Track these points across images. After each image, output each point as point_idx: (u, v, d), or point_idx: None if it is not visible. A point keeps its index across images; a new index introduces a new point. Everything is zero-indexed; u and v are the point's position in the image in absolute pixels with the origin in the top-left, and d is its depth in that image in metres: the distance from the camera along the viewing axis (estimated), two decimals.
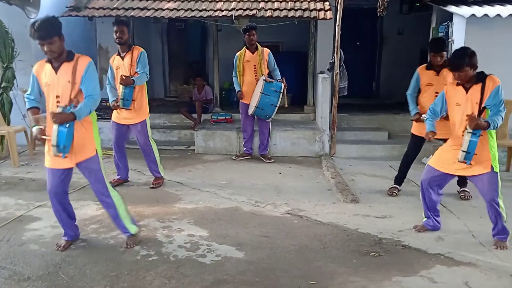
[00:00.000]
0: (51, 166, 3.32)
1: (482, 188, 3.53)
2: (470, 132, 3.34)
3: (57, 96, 3.20)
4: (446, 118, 3.77)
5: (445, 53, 4.45)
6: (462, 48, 3.59)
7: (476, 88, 3.45)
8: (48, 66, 3.22)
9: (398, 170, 4.91)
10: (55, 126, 3.08)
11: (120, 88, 4.77)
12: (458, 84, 3.54)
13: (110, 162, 5.40)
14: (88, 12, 6.85)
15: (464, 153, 3.38)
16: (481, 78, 3.46)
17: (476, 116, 3.34)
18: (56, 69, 3.20)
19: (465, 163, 3.43)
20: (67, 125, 3.09)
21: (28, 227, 3.91)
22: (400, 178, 4.88)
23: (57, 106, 3.18)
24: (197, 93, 7.80)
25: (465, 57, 3.39)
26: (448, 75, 4.24)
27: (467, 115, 3.43)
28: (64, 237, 3.54)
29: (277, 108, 5.93)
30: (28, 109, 3.36)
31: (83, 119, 3.20)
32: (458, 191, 4.71)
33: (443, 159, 3.64)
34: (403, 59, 8.31)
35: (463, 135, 3.45)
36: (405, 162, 4.83)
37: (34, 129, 3.21)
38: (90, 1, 7.12)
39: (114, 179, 5.09)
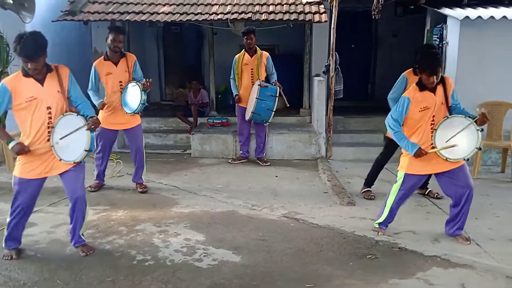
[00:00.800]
0: (39, 176, 3.28)
1: (462, 178, 3.57)
2: (479, 130, 3.44)
3: (48, 108, 3.19)
4: None
5: None
6: (431, 50, 3.73)
7: (439, 89, 3.55)
8: (30, 80, 3.15)
9: (370, 173, 4.88)
10: (88, 132, 3.19)
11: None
12: (422, 89, 3.54)
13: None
14: (83, 16, 6.85)
15: (476, 150, 3.48)
16: (440, 79, 3.53)
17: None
18: (41, 81, 3.18)
19: (468, 160, 3.54)
20: (98, 130, 3.29)
21: (24, 233, 3.84)
22: (371, 181, 4.89)
23: (49, 117, 3.19)
24: (193, 96, 7.80)
25: (439, 59, 3.49)
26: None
27: (433, 116, 3.53)
28: (13, 246, 3.44)
29: (273, 112, 5.94)
30: None
31: None
32: (424, 193, 4.79)
33: (420, 163, 3.60)
34: (398, 61, 8.26)
35: (431, 136, 3.54)
36: (379, 165, 4.84)
37: (13, 144, 3.16)
38: (85, 6, 7.12)
39: (95, 184, 5.06)
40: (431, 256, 3.44)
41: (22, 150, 3.17)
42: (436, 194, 4.72)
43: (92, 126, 3.19)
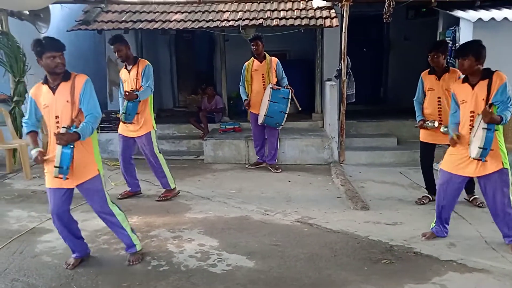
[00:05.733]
0: (52, 186, 3.24)
1: (494, 188, 3.44)
2: (485, 128, 3.25)
3: (57, 117, 3.16)
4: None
5: (441, 54, 4.41)
6: (473, 39, 3.66)
7: (482, 84, 3.42)
8: (45, 88, 3.18)
9: (425, 182, 4.77)
10: (59, 147, 3.03)
11: (124, 102, 4.80)
12: (463, 82, 3.53)
13: (119, 174, 5.43)
14: (97, 26, 6.96)
15: (481, 150, 3.28)
16: (488, 74, 3.43)
17: (490, 110, 3.26)
18: (53, 90, 3.17)
19: (481, 160, 3.35)
20: (72, 145, 3.05)
21: (41, 239, 3.95)
22: (430, 188, 4.70)
23: (57, 127, 3.14)
24: (207, 102, 7.85)
25: (473, 45, 3.42)
26: (450, 80, 4.24)
27: (471, 111, 3.43)
28: (73, 254, 3.47)
29: (286, 115, 5.94)
30: (27, 133, 3.31)
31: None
32: (468, 199, 4.64)
33: (455, 161, 3.57)
34: (411, 65, 8.25)
35: (470, 133, 3.43)
36: (424, 171, 4.73)
37: (34, 152, 3.17)
38: (99, 15, 7.24)
39: (124, 191, 5.12)
40: (447, 261, 3.40)
41: (36, 159, 3.14)
42: (479, 203, 4.50)
43: (58, 142, 3.02)
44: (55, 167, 3.05)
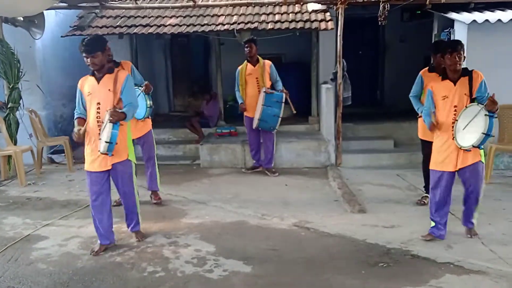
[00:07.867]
0: (98, 169, 3.64)
1: (471, 177, 3.63)
2: (487, 114, 3.37)
3: (98, 103, 3.59)
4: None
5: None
6: (456, 39, 3.97)
7: (463, 81, 3.63)
8: (91, 78, 3.67)
9: (424, 179, 4.75)
10: (110, 125, 3.41)
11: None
12: (443, 79, 3.70)
13: None
14: (91, 31, 6.93)
15: (483, 136, 3.40)
16: (467, 71, 3.66)
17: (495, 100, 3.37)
18: (98, 80, 3.64)
19: (478, 147, 3.51)
20: (118, 124, 3.46)
21: (36, 246, 3.92)
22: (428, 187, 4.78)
23: (98, 112, 3.56)
24: (205, 105, 7.82)
25: (461, 44, 3.63)
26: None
27: (454, 105, 3.60)
28: (103, 241, 3.78)
29: (280, 118, 5.93)
30: (76, 118, 3.77)
31: (121, 125, 3.53)
32: None
33: (441, 159, 3.70)
34: (406, 67, 8.27)
35: (452, 126, 3.58)
36: (425, 169, 4.63)
37: (76, 128, 3.62)
38: (94, 20, 7.23)
39: (119, 198, 5.06)
40: (444, 263, 3.40)
41: (77, 132, 3.58)
42: None
43: (111, 118, 3.41)
44: (106, 142, 3.42)
